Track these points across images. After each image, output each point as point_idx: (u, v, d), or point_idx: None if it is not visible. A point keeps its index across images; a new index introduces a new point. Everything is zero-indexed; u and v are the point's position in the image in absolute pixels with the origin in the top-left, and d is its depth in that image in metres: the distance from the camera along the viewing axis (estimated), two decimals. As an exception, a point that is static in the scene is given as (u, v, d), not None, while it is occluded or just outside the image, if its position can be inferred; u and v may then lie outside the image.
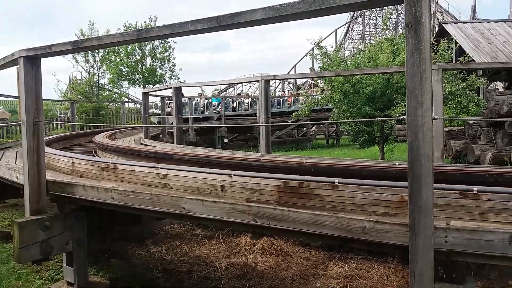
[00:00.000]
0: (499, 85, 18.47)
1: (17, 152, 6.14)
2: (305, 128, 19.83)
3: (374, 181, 2.92)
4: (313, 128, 20.71)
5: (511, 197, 2.47)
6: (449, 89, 8.89)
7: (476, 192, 2.52)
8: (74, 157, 4.64)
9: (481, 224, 2.37)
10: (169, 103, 14.57)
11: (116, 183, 3.85)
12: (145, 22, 23.36)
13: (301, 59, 34.79)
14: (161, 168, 3.63)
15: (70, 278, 4.01)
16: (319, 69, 11.54)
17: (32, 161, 3.73)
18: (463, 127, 10.00)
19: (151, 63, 24.27)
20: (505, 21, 15.94)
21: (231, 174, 3.25)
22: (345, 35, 36.75)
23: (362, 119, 9.28)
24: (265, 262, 4.10)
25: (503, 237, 2.09)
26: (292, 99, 20.10)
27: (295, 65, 34.36)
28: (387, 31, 14.13)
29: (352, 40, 36.25)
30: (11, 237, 5.25)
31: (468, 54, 12.50)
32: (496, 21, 15.69)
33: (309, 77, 24.17)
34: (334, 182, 2.84)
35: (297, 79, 28.43)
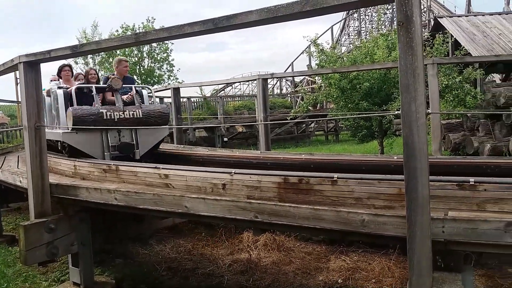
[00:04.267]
0: (496, 77, 18.56)
1: (18, 156, 6.20)
2: (304, 125, 19.91)
3: (373, 175, 2.98)
4: (312, 125, 20.79)
5: (507, 187, 2.52)
6: (446, 83, 8.95)
7: (473, 183, 2.57)
8: (76, 160, 4.71)
9: (478, 214, 2.43)
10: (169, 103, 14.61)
11: (119, 184, 3.90)
12: (142, 23, 23.39)
13: (298, 56, 34.92)
14: (162, 168, 3.68)
15: (76, 279, 4.07)
16: (316, 66, 11.59)
17: (35, 165, 3.78)
18: (461, 120, 10.08)
19: (150, 64, 24.30)
20: (499, 13, 16.01)
21: (231, 173, 3.31)
22: (341, 32, 36.81)
23: (360, 115, 9.35)
24: (267, 258, 4.16)
25: (498, 225, 2.15)
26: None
27: (292, 63, 34.43)
28: (382, 26, 14.15)
29: (349, 36, 36.32)
30: (16, 240, 5.32)
31: (464, 47, 12.57)
32: (491, 14, 15.76)
33: (306, 75, 24.28)
34: (333, 177, 2.90)
35: (294, 77, 28.49)
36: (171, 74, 24.96)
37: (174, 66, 25.04)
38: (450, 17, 16.31)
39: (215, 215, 3.00)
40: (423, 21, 26.19)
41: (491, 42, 13.40)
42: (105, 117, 5.21)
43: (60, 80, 6.26)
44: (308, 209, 2.59)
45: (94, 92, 5.55)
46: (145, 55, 24.03)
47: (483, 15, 15.76)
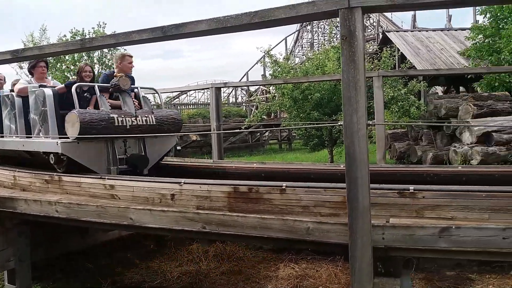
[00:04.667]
0: (439, 89, 19.71)
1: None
2: (258, 134, 20.06)
3: (319, 184, 3.06)
4: (266, 134, 21.00)
5: (443, 194, 2.67)
6: (392, 94, 9.38)
7: (412, 191, 2.70)
8: (16, 170, 4.45)
9: (417, 221, 2.55)
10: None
11: (62, 195, 3.74)
12: (93, 28, 22.65)
13: (253, 66, 35.21)
14: (107, 179, 3.57)
15: (13, 297, 3.83)
16: (270, 76, 11.77)
17: (-31, 176, 3.55)
18: (406, 130, 10.58)
19: (100, 70, 23.55)
20: (441, 29, 17.05)
21: (181, 182, 3.26)
22: (295, 43, 37.62)
23: (309, 126, 9.59)
24: (217, 268, 4.12)
25: (433, 231, 2.27)
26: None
27: (247, 72, 34.68)
28: (334, 39, 14.63)
29: (302, 47, 37.17)
30: None
31: (409, 60, 13.24)
32: (434, 30, 16.77)
33: (259, 85, 24.55)
34: (282, 186, 2.94)
35: (249, 86, 28.72)
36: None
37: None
38: (397, 31, 17.14)
39: (162, 226, 2.94)
40: (373, 35, 27.38)
41: (434, 56, 14.23)
42: (116, 124, 4.27)
43: (32, 78, 5.17)
44: (256, 218, 2.61)
45: (98, 92, 4.44)
46: (95, 60, 23.25)
47: (426, 31, 16.74)
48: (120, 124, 4.31)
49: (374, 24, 28.76)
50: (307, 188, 2.90)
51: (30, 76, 5.29)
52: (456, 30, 16.50)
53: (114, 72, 4.88)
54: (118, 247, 4.86)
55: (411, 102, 9.68)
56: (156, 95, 6.81)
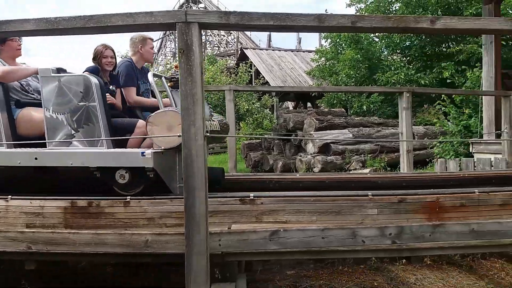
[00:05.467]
0: (291, 105, 21.61)
1: None
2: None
3: (165, 195, 3.05)
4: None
5: (278, 199, 2.92)
6: (247, 107, 9.96)
7: (252, 198, 2.88)
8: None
9: (254, 226, 2.74)
10: None
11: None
12: None
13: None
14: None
15: None
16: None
17: None
18: (260, 140, 11.30)
19: None
20: (292, 50, 18.80)
21: (7, 198, 2.89)
22: (158, 51, 37.04)
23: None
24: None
25: (264, 235, 2.46)
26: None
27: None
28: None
29: (165, 56, 36.80)
30: None
31: (263, 76, 14.24)
32: (286, 50, 18.39)
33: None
34: (126, 199, 2.84)
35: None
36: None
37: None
38: (253, 49, 18.31)
39: (-23, 250, 2.55)
40: (233, 51, 28.62)
41: (285, 74, 15.58)
42: None
43: None
44: (90, 234, 2.46)
45: (168, 87, 3.60)
46: None
47: (279, 50, 18.26)
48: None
49: (234, 40, 30.13)
50: (152, 200, 2.87)
51: None
52: (304, 51, 18.38)
53: (131, 59, 3.84)
54: None
55: (264, 115, 10.42)
56: None
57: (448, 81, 10.67)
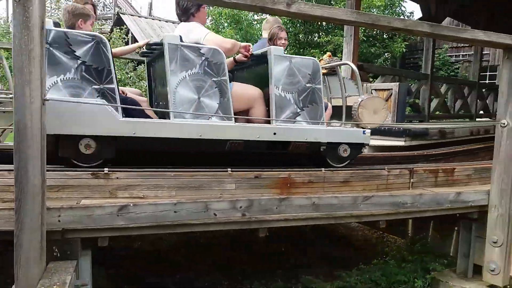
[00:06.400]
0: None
1: None
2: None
3: (2, 165, 2.70)
4: None
5: (136, 174, 2.79)
6: (119, 77, 9.36)
7: (107, 172, 2.70)
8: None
9: (111, 201, 2.57)
10: None
11: None
12: None
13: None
14: None
15: None
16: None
17: None
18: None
19: None
20: (173, 22, 18.17)
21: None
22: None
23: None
24: None
25: (112, 210, 2.32)
26: None
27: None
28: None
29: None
30: None
31: (140, 45, 13.49)
32: (167, 21, 17.69)
33: None
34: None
35: None
36: None
37: None
38: (132, 15, 17.18)
39: None
40: (110, 15, 26.50)
41: (163, 45, 15.02)
42: None
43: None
44: None
45: (340, 76, 4.01)
46: None
47: (160, 20, 17.48)
48: None
49: (112, 4, 27.96)
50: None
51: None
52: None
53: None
54: None
55: (140, 87, 9.93)
56: None
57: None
